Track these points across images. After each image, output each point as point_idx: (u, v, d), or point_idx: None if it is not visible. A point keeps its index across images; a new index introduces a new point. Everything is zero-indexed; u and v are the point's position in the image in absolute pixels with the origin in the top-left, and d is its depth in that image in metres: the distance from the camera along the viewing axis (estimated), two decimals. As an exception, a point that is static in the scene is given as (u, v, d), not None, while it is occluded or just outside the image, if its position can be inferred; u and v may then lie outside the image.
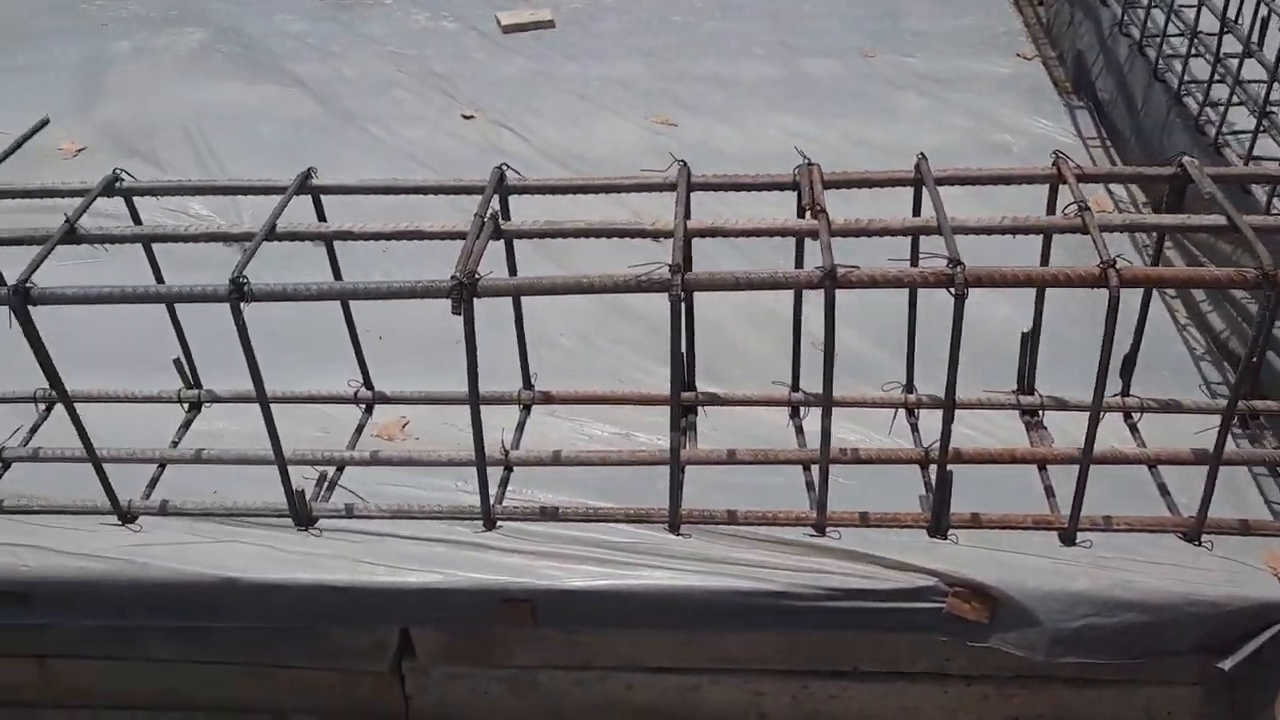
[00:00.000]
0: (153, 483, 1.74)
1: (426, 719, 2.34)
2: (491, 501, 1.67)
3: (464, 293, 1.30)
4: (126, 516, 1.65)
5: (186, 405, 1.86)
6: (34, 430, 1.83)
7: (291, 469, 1.80)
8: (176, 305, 1.96)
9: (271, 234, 1.50)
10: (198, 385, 1.87)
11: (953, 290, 1.25)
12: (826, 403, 1.42)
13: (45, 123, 3.86)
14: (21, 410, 2.23)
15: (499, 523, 1.57)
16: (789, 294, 2.78)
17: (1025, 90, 3.83)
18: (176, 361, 1.84)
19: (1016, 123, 3.59)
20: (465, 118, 3.70)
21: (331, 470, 1.70)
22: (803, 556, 2.04)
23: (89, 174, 3.44)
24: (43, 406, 1.87)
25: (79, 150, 3.59)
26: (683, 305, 1.29)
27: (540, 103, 3.79)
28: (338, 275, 1.69)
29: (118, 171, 1.67)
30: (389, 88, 3.91)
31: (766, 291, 2.66)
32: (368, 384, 1.86)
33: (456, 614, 2.11)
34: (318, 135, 3.62)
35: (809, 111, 3.69)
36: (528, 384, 1.82)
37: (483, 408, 1.57)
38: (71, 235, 1.52)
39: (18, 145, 3.69)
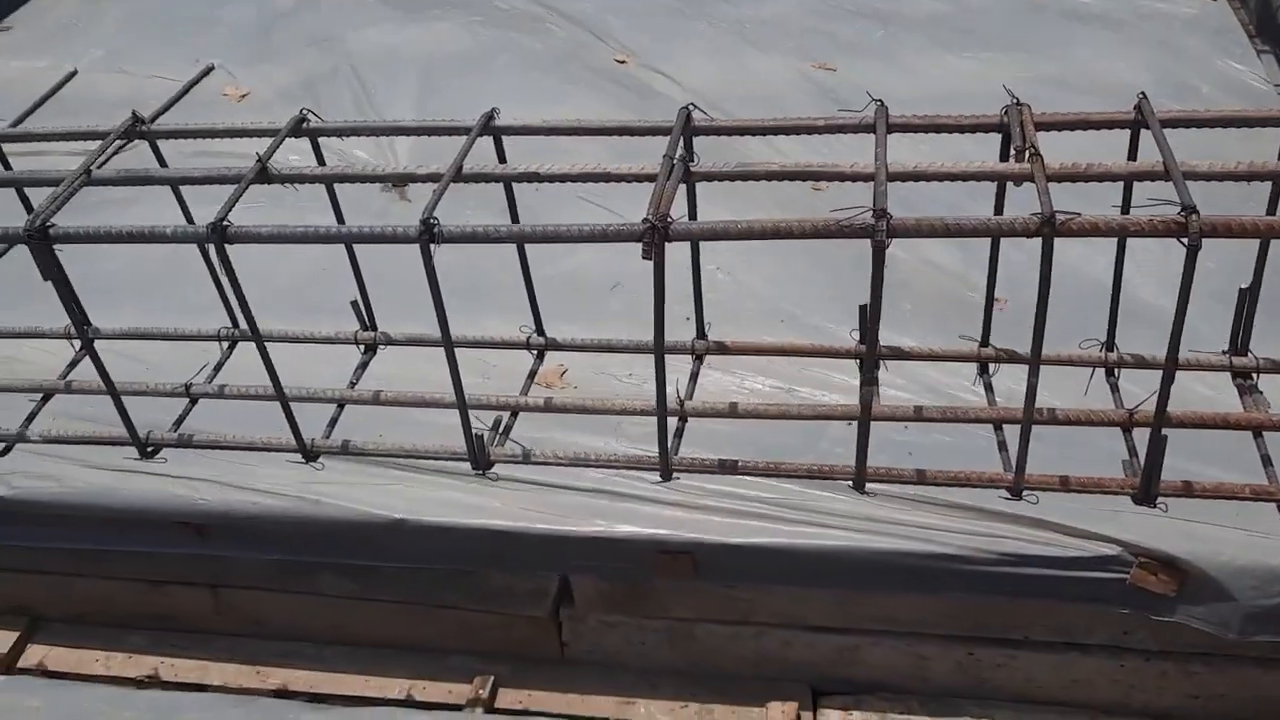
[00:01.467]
0: (332, 422, 1.77)
1: (581, 665, 2.35)
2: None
3: (656, 236, 1.25)
4: (310, 455, 1.68)
5: (363, 347, 1.88)
6: (218, 368, 1.88)
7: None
8: (347, 248, 1.98)
9: (458, 175, 1.47)
10: (373, 328, 1.89)
11: (1185, 240, 1.15)
12: (1035, 361, 1.33)
13: (210, 69, 3.99)
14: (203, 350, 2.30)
15: (675, 474, 1.54)
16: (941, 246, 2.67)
17: (1211, 31, 3.57)
18: (354, 304, 1.86)
19: (1204, 65, 3.35)
20: (618, 62, 3.65)
21: (506, 415, 1.70)
22: (980, 521, 1.96)
23: (255, 119, 3.58)
24: (226, 345, 1.91)
25: (244, 95, 3.67)
26: (884, 253, 1.21)
27: (693, 45, 3.71)
28: (515, 218, 1.66)
29: (304, 112, 1.68)
30: (540, 29, 3.87)
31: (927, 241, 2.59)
32: (540, 330, 1.84)
33: (616, 563, 2.11)
34: (475, 79, 3.61)
35: (977, 51, 3.52)
36: (701, 334, 1.78)
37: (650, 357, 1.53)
38: (263, 175, 1.52)
39: (185, 91, 3.82)
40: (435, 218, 1.31)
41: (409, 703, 2.32)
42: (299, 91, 3.61)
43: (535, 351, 1.83)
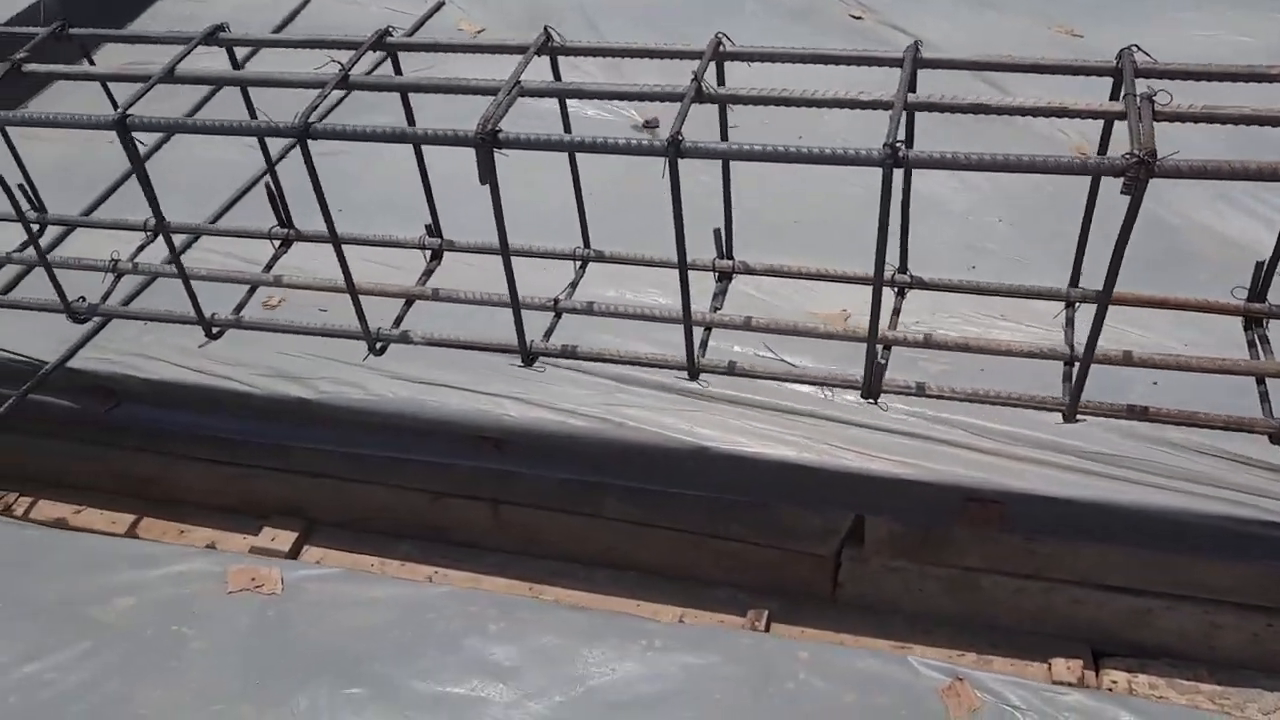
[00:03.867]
0: (548, 332, 1.84)
1: (850, 606, 2.37)
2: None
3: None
4: (528, 358, 1.76)
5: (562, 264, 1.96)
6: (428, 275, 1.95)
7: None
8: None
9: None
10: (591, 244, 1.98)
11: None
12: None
13: (442, 4, 4.05)
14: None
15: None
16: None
17: None
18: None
19: None
20: (854, 17, 3.62)
21: (702, 331, 1.79)
22: (1320, 487, 1.94)
23: (490, 56, 3.63)
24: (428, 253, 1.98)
25: (479, 31, 3.71)
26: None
27: (928, 3, 3.66)
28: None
29: (547, 29, 1.75)
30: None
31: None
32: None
33: (918, 507, 2.12)
34: (717, 27, 3.59)
35: (1228, 8, 3.43)
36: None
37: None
38: (518, 89, 1.60)
39: (418, 26, 3.89)
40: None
41: (681, 630, 2.36)
42: (531, 27, 3.63)
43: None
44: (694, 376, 1.78)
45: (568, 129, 1.75)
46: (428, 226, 1.99)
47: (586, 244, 1.96)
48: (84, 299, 1.99)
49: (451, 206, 2.00)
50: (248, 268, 2.39)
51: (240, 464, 2.57)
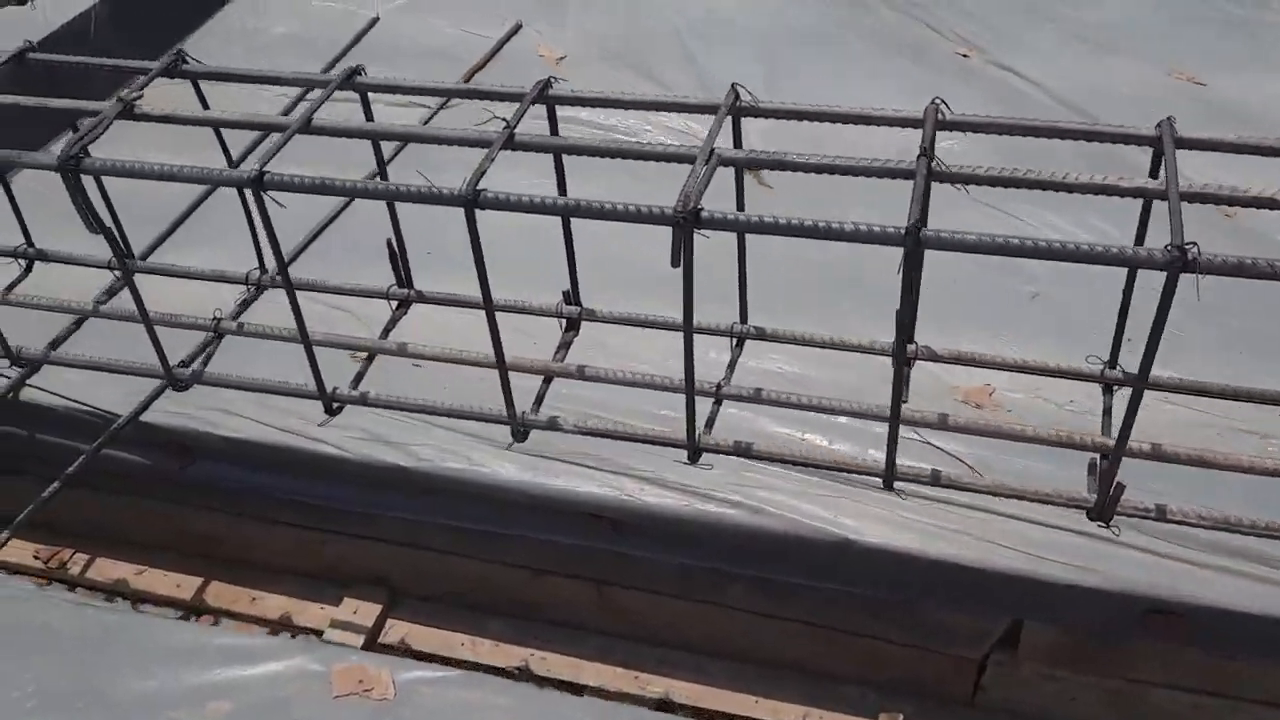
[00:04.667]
0: (710, 421, 1.62)
1: (992, 711, 2.16)
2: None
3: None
4: (695, 454, 1.56)
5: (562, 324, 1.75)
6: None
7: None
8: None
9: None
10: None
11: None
12: None
13: (518, 28, 3.84)
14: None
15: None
16: None
17: None
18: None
19: None
20: (961, 55, 3.43)
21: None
22: None
23: (574, 82, 3.42)
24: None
25: (560, 59, 3.51)
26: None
27: (1039, 44, 3.46)
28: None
29: (735, 88, 1.52)
30: (869, 14, 3.65)
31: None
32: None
33: (1090, 617, 1.91)
34: (825, 60, 3.40)
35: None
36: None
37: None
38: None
39: (495, 51, 3.68)
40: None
41: (808, 732, 2.16)
42: (620, 58, 3.44)
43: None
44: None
45: (741, 203, 1.54)
46: (565, 293, 1.78)
47: (744, 319, 1.75)
48: (185, 364, 1.78)
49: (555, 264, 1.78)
50: (351, 322, 2.20)
51: (321, 529, 2.36)
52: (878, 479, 1.52)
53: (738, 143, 1.50)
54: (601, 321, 1.77)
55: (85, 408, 2.27)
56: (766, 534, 2.00)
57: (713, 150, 1.37)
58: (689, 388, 1.47)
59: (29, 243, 1.93)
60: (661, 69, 3.35)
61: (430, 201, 1.36)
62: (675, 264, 1.31)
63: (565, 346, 1.76)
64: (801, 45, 3.43)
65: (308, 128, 1.47)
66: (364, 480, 2.18)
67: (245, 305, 1.86)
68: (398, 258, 1.79)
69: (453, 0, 3.83)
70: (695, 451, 1.56)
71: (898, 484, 1.51)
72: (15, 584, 2.24)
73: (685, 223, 1.26)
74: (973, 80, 3.31)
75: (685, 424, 1.52)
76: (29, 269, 1.97)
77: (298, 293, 1.53)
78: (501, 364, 1.54)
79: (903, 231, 1.19)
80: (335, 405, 1.68)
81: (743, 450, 1.55)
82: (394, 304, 1.82)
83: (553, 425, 1.61)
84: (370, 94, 1.65)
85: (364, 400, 1.67)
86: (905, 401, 1.42)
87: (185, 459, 2.28)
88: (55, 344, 1.94)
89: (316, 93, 1.57)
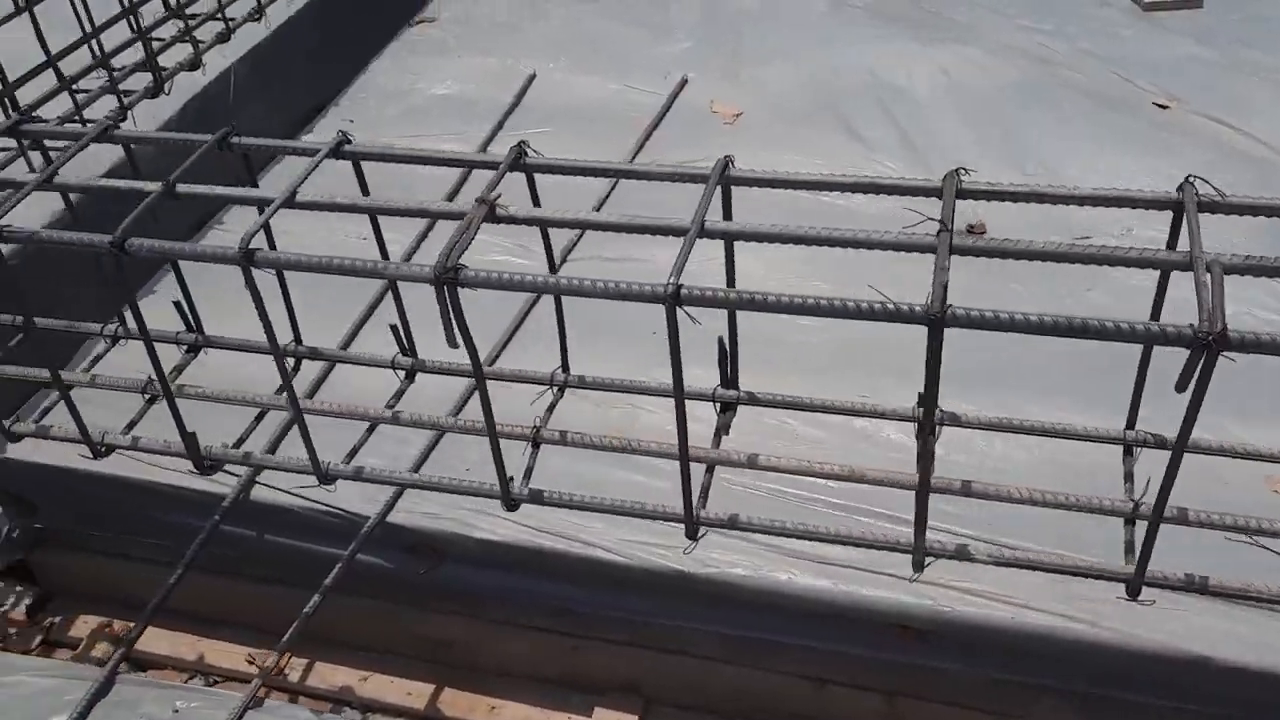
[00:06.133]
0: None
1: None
2: None
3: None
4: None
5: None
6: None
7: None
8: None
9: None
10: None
11: None
12: None
13: (685, 82, 3.70)
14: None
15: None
16: None
17: None
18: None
19: None
20: (1159, 106, 3.28)
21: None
22: None
23: (750, 142, 3.29)
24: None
25: (737, 115, 3.37)
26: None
27: (1243, 94, 3.31)
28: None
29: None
30: (1052, 64, 3.51)
31: None
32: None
33: None
34: (1014, 108, 3.26)
35: None
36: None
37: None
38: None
39: (666, 110, 3.54)
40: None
41: None
42: (805, 115, 3.30)
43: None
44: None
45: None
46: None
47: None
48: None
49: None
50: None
51: (573, 634, 2.19)
52: None
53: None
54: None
55: (325, 508, 2.12)
56: (1099, 647, 1.82)
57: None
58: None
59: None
60: (860, 125, 3.21)
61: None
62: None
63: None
64: (1009, 100, 3.28)
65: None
66: (636, 586, 2.02)
67: (551, 410, 1.70)
68: (727, 358, 1.63)
69: (610, 54, 3.72)
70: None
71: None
72: (290, 710, 2.08)
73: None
74: (1164, 132, 3.15)
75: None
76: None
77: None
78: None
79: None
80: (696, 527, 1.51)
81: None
82: (717, 407, 1.66)
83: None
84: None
85: (729, 524, 1.50)
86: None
87: (433, 562, 2.13)
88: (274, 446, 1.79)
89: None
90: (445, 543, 2.09)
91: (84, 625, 2.44)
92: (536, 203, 1.53)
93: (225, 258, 1.32)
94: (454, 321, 1.27)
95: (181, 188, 1.46)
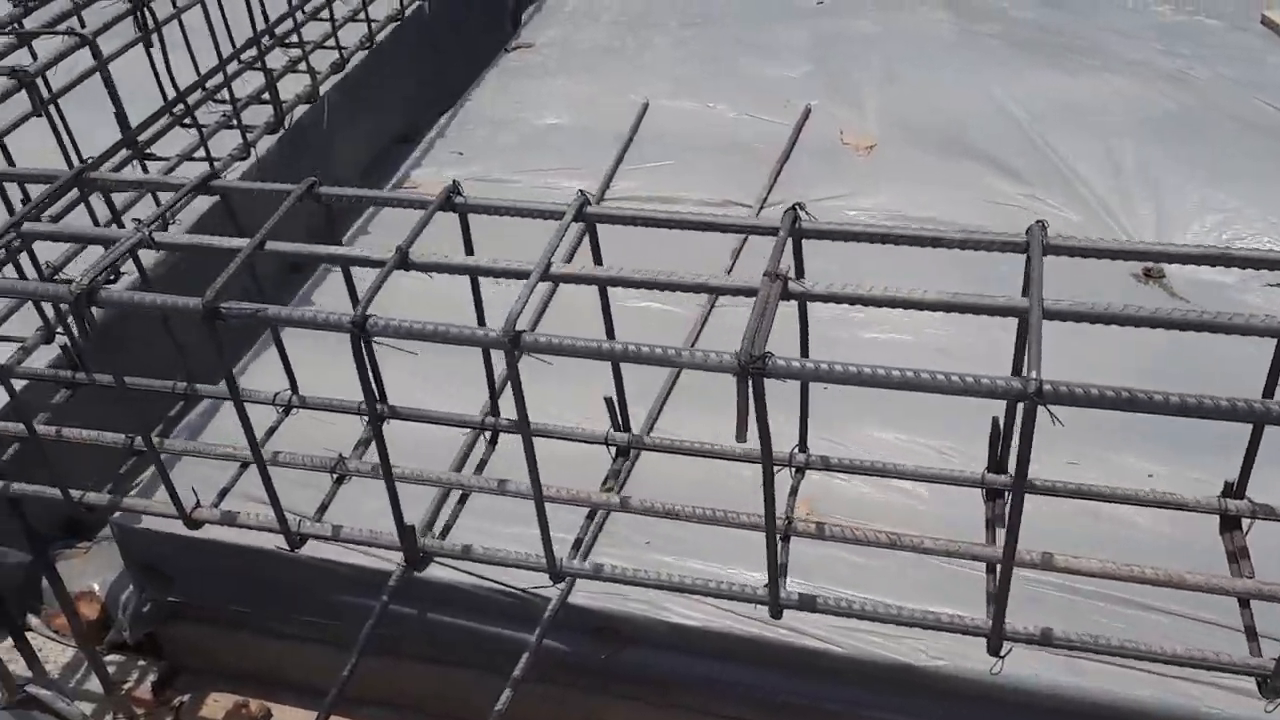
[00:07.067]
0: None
1: None
2: None
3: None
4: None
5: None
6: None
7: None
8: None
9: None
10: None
11: None
12: None
13: (809, 111, 3.52)
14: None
15: None
16: None
17: None
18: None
19: None
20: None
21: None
22: None
23: (891, 176, 3.10)
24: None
25: (870, 147, 3.19)
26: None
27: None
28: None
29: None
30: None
31: None
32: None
33: None
34: (1180, 138, 3.08)
35: None
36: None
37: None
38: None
39: (794, 140, 3.36)
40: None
41: None
42: (943, 146, 3.12)
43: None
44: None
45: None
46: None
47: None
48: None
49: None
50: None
51: (762, 722, 2.01)
52: None
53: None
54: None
55: (500, 586, 1.95)
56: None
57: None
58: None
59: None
60: (1005, 157, 3.03)
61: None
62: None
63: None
64: (1143, 131, 3.11)
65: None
66: (851, 679, 1.85)
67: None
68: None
69: (721, 81, 3.55)
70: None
71: None
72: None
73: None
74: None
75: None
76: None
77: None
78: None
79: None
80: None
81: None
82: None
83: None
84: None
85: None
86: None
87: (617, 646, 1.95)
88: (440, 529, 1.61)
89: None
90: (633, 627, 1.92)
91: (216, 705, 2.27)
92: (800, 272, 1.36)
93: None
94: (752, 413, 1.10)
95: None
